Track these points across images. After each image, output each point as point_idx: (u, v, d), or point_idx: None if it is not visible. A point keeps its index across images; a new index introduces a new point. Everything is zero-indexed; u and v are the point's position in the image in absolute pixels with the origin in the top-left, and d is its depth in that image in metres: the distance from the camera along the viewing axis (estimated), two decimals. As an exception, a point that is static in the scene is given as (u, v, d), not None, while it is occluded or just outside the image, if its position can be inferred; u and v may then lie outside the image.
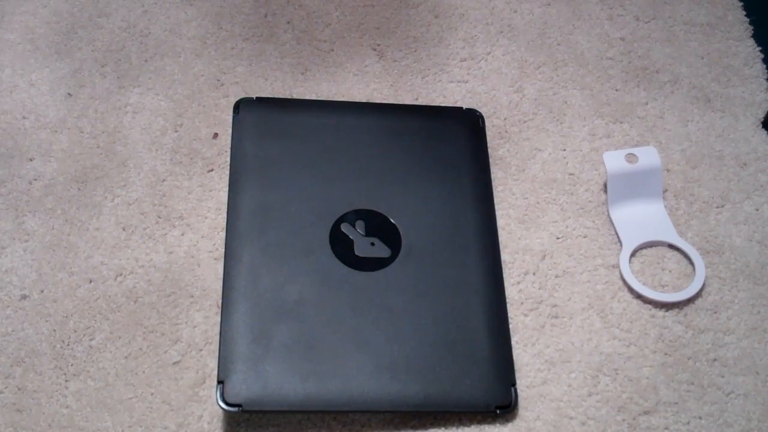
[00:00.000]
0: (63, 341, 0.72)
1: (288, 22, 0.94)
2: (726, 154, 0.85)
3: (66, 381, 0.71)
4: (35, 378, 0.71)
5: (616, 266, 0.78)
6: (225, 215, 0.78)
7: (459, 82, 0.90)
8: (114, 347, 0.72)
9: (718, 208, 0.82)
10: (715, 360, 0.73)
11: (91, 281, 0.76)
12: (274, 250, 0.73)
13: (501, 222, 0.80)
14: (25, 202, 0.80)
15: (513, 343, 0.73)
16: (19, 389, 0.70)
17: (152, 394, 0.70)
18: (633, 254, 0.78)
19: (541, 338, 0.74)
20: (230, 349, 0.68)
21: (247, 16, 0.95)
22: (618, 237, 0.79)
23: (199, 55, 0.91)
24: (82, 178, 0.82)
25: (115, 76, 0.89)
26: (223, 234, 0.78)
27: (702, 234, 0.80)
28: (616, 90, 0.90)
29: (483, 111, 0.86)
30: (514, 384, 0.70)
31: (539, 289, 0.76)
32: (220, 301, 0.73)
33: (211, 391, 0.70)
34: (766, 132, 0.87)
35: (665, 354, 0.73)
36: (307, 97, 0.88)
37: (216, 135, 0.85)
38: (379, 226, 0.76)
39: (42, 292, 0.75)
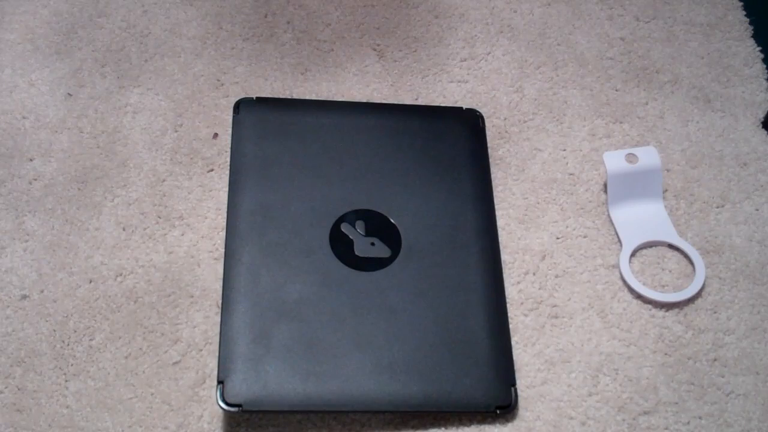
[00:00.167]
0: (63, 341, 0.72)
1: (288, 22, 0.94)
2: (726, 154, 0.85)
3: (66, 381, 0.71)
4: (35, 378, 0.71)
5: (616, 266, 0.78)
6: (225, 215, 0.78)
7: (459, 82, 0.90)
8: (114, 347, 0.72)
9: (718, 208, 0.82)
10: (715, 360, 0.73)
11: (91, 281, 0.76)
12: (274, 250, 0.73)
13: (501, 222, 0.80)
14: (25, 202, 0.80)
15: (513, 343, 0.73)
16: (19, 389, 0.70)
17: (152, 394, 0.70)
18: (633, 254, 0.78)
19: (541, 338, 0.74)
20: (230, 349, 0.68)
21: (247, 16, 0.95)
22: (618, 237, 0.79)
23: (199, 55, 0.91)
24: (82, 178, 0.82)
25: (115, 76, 0.89)
26: (223, 234, 0.78)
27: (702, 234, 0.80)
28: (616, 90, 0.90)
29: (483, 111, 0.86)
30: (514, 384, 0.70)
31: (539, 289, 0.76)
32: (220, 301, 0.73)
33: (211, 391, 0.70)
34: (766, 132, 0.87)
35: (665, 354, 0.73)
36: (307, 97, 0.88)
37: (216, 135, 0.85)
38: (379, 226, 0.76)
39: (42, 292, 0.75)
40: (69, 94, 0.88)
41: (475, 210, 0.78)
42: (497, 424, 0.69)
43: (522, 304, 0.75)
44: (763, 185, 0.83)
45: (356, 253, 0.74)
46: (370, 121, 0.83)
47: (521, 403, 0.70)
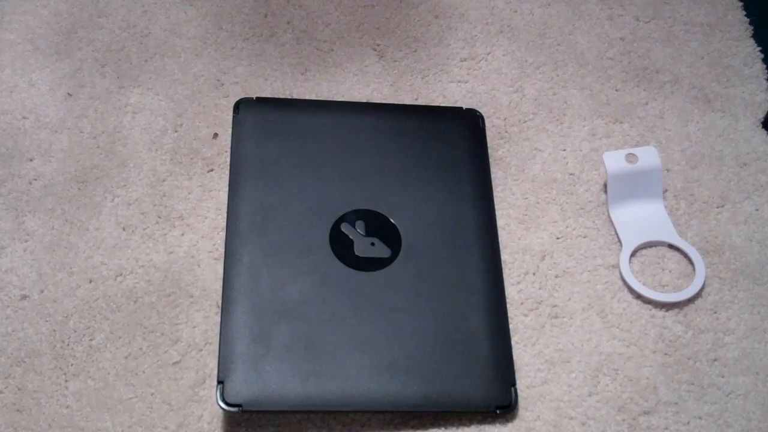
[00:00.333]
0: (63, 341, 0.72)
1: (288, 22, 0.94)
2: (726, 154, 0.85)
3: (66, 381, 0.71)
4: (35, 378, 0.71)
5: (616, 266, 0.78)
6: (225, 215, 0.78)
7: (459, 82, 0.90)
8: (114, 347, 0.72)
9: (718, 208, 0.82)
10: (715, 360, 0.73)
11: (91, 281, 0.76)
12: (274, 250, 0.73)
13: (501, 222, 0.80)
14: (25, 202, 0.80)
15: (513, 343, 0.73)
16: (19, 389, 0.70)
17: (152, 394, 0.70)
18: (633, 254, 0.78)
19: (541, 338, 0.74)
20: (230, 349, 0.68)
21: (247, 16, 0.95)
22: (618, 237, 0.79)
23: (199, 55, 0.91)
24: (82, 178, 0.82)
25: (115, 76, 0.89)
26: (223, 234, 0.78)
27: (702, 234, 0.80)
28: (616, 90, 0.90)
29: (483, 111, 0.86)
30: (514, 384, 0.70)
31: (539, 289, 0.76)
32: (220, 301, 0.73)
33: (211, 391, 0.70)
34: (766, 132, 0.87)
35: (665, 354, 0.73)
36: (307, 97, 0.88)
37: (216, 135, 0.85)
38: (379, 226, 0.76)
39: (42, 292, 0.75)
40: (69, 94, 0.88)
41: (475, 210, 0.78)
42: (497, 424, 0.69)
43: (522, 304, 0.75)
44: (763, 185, 0.83)
45: (356, 253, 0.74)
46: (370, 121, 0.83)
47: (521, 403, 0.70)
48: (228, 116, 0.86)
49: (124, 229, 0.79)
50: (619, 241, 0.79)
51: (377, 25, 0.94)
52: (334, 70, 0.90)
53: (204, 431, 0.68)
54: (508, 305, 0.75)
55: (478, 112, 0.85)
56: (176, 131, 0.85)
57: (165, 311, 0.74)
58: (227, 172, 0.81)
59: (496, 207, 0.81)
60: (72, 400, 0.70)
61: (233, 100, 0.85)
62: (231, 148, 0.79)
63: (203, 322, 0.74)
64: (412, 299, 0.72)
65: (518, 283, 0.77)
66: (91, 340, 0.73)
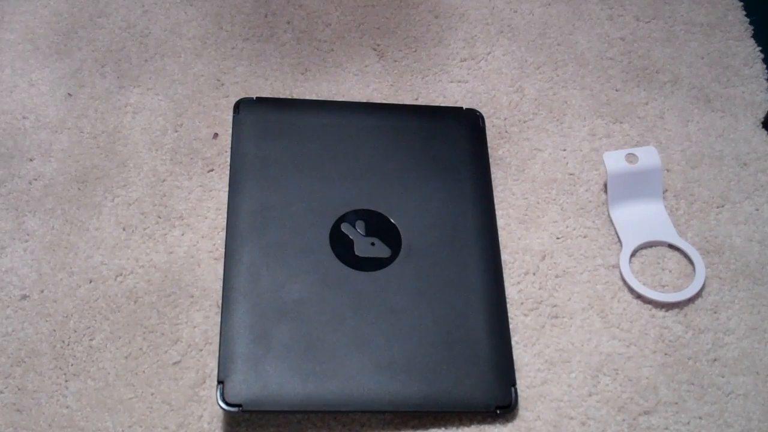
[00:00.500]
0: (63, 341, 0.72)
1: (288, 22, 0.94)
2: (726, 154, 0.85)
3: (66, 381, 0.71)
4: (35, 378, 0.71)
5: (616, 266, 0.78)
6: (225, 215, 0.78)
7: (459, 82, 0.90)
8: (114, 347, 0.72)
9: (718, 208, 0.82)
10: (715, 360, 0.73)
11: (91, 281, 0.76)
12: (274, 250, 0.73)
13: (501, 222, 0.80)
14: (25, 202, 0.80)
15: (513, 343, 0.73)
16: (19, 389, 0.70)
17: (152, 394, 0.70)
18: (633, 254, 0.78)
19: (541, 338, 0.74)
20: (230, 349, 0.68)
21: (247, 16, 0.95)
22: (618, 237, 0.79)
23: (199, 55, 0.91)
24: (82, 178, 0.82)
25: (115, 76, 0.89)
26: (223, 234, 0.78)
27: (702, 234, 0.80)
28: (616, 90, 0.90)
29: (483, 111, 0.86)
30: (514, 384, 0.70)
31: (539, 289, 0.76)
32: (220, 301, 0.73)
33: (211, 391, 0.70)
34: (766, 132, 0.87)
35: (665, 354, 0.73)
36: (307, 97, 0.88)
37: (216, 135, 0.85)
38: (379, 226, 0.76)
39: (42, 292, 0.75)
40: (69, 94, 0.88)
41: (475, 210, 0.78)
42: (497, 424, 0.69)
43: (522, 304, 0.75)
44: (763, 185, 0.83)
45: (356, 253, 0.74)
46: (370, 121, 0.83)
47: (521, 403, 0.70)
48: (228, 116, 0.86)
49: (124, 229, 0.79)
50: (619, 241, 0.79)
51: (377, 25, 0.94)
52: (334, 70, 0.90)
53: (204, 431, 0.68)
54: (508, 305, 0.75)
55: (478, 112, 0.85)
56: (176, 131, 0.85)
57: (165, 311, 0.74)
58: (227, 172, 0.81)
59: (496, 207, 0.81)
60: (72, 400, 0.70)
61: (233, 100, 0.85)
62: (231, 148, 0.79)
63: (203, 322, 0.74)
64: (412, 299, 0.72)
65: (518, 283, 0.77)
66: (91, 340, 0.73)
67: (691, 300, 0.76)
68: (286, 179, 0.77)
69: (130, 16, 0.94)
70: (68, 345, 0.72)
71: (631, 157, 0.81)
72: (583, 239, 0.79)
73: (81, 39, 0.92)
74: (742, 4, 0.97)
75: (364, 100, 0.88)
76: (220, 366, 0.67)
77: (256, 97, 0.84)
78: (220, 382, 0.67)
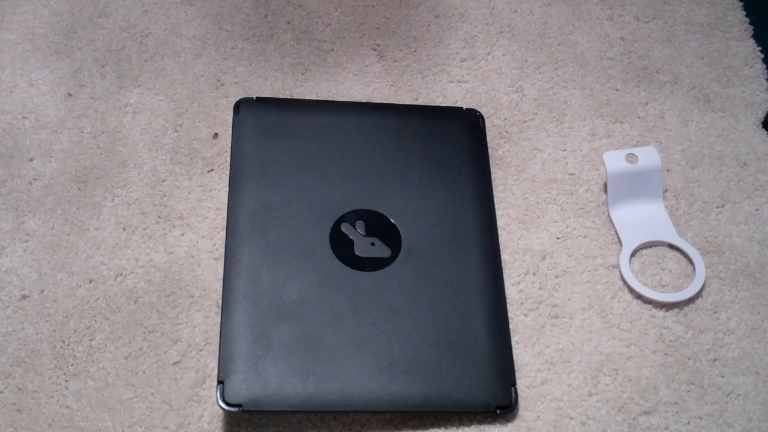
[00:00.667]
0: (63, 341, 0.72)
1: (288, 22, 0.94)
2: (726, 154, 0.85)
3: (66, 381, 0.71)
4: (35, 378, 0.71)
5: (616, 266, 0.78)
6: (225, 215, 0.78)
7: (459, 82, 0.90)
8: (114, 347, 0.72)
9: (718, 208, 0.82)
10: (715, 360, 0.73)
11: (91, 281, 0.76)
12: (274, 250, 0.73)
13: (501, 222, 0.80)
14: (25, 202, 0.80)
15: (513, 343, 0.73)
16: (19, 389, 0.70)
17: (152, 394, 0.70)
18: (633, 254, 0.78)
19: (541, 338, 0.74)
20: (230, 349, 0.68)
21: (247, 16, 0.95)
22: (618, 237, 0.79)
23: (199, 55, 0.91)
24: (82, 178, 0.82)
25: (115, 76, 0.89)
26: (223, 234, 0.78)
27: (702, 234, 0.80)
28: (616, 90, 0.90)
29: (483, 111, 0.86)
30: (514, 384, 0.70)
31: (539, 289, 0.76)
32: (220, 301, 0.73)
33: (211, 391, 0.70)
34: (766, 132, 0.87)
35: (665, 354, 0.73)
36: (307, 97, 0.88)
37: (216, 135, 0.85)
38: (379, 226, 0.76)
39: (42, 292, 0.75)
40: (69, 94, 0.88)
41: (475, 210, 0.78)
42: (497, 424, 0.69)
43: (522, 304, 0.75)
44: (763, 185, 0.83)
45: (356, 253, 0.74)
46: (370, 121, 0.83)
47: (521, 403, 0.70)
48: (228, 116, 0.86)
49: (124, 229, 0.79)
50: (619, 241, 0.79)
51: (377, 25, 0.94)
52: (334, 70, 0.90)
53: (204, 431, 0.68)
54: (508, 305, 0.75)
55: (478, 112, 0.85)
56: (176, 131, 0.85)
57: (165, 311, 0.74)
58: (227, 172, 0.81)
59: (496, 207, 0.81)
60: (72, 400, 0.70)
61: (233, 100, 0.85)
62: (231, 148, 0.79)
63: (203, 322, 0.74)
64: (412, 299, 0.72)
65: (518, 283, 0.77)
66: (91, 340, 0.73)
67: (691, 300, 0.76)
68: (286, 179, 0.77)
69: (130, 16, 0.94)
70: (68, 345, 0.72)
71: (631, 157, 0.81)
72: (583, 239, 0.79)
73: (81, 39, 0.92)
74: (742, 4, 0.97)
75: (364, 100, 0.88)
76: (220, 366, 0.67)
77: (256, 97, 0.84)
78: (220, 382, 0.67)
